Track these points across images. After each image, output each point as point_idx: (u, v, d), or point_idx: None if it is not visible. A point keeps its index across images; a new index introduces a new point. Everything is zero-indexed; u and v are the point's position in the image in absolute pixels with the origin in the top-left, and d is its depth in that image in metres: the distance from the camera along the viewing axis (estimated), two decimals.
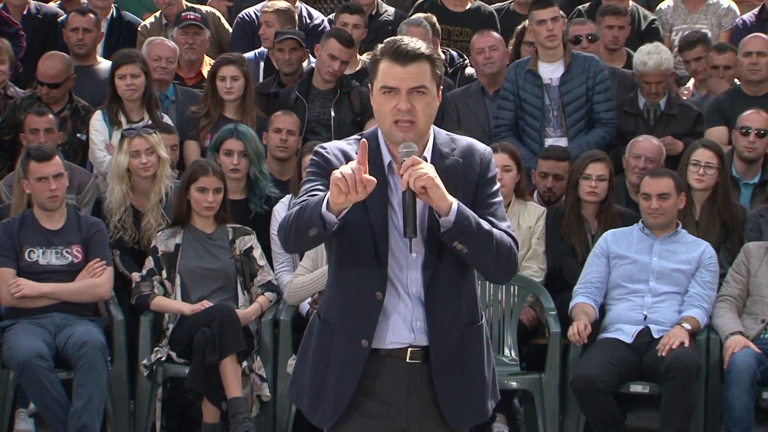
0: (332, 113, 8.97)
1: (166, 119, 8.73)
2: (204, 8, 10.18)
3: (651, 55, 8.79)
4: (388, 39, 4.20)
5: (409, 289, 4.18)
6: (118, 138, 8.13)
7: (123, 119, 8.52)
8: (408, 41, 4.16)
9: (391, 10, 10.32)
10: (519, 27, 9.62)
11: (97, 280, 7.45)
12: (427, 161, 4.09)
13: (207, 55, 9.73)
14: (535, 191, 8.37)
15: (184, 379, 7.26)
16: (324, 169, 4.17)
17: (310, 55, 9.54)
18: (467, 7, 10.16)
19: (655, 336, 7.25)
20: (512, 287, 7.60)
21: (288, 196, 7.88)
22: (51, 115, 8.42)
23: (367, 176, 3.93)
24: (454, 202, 4.03)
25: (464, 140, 4.30)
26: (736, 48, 9.07)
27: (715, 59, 9.20)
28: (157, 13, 10.18)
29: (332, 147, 4.25)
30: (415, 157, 4.04)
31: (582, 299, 7.44)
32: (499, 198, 4.27)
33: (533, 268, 7.77)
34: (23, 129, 8.41)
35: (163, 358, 7.37)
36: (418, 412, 4.23)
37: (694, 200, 7.89)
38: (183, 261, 7.53)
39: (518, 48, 9.57)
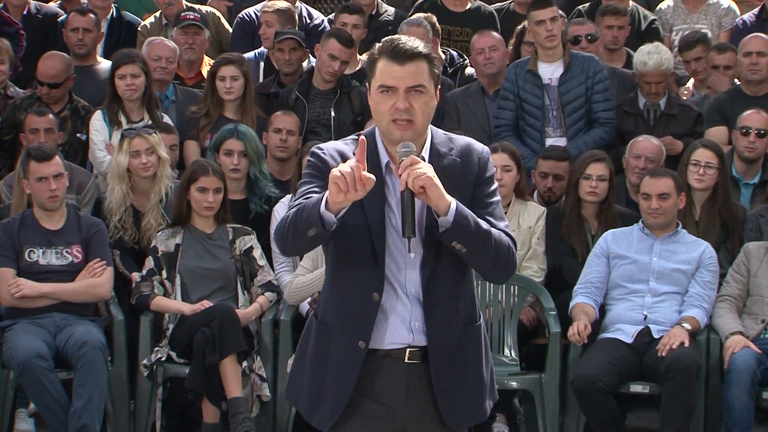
0: (332, 113, 8.97)
1: (166, 119, 8.73)
2: (204, 8, 10.19)
3: (651, 55, 8.79)
4: (386, 38, 4.20)
5: (408, 289, 4.18)
6: (118, 138, 8.14)
7: (123, 119, 8.52)
8: (406, 40, 4.16)
9: (391, 10, 10.32)
10: (519, 27, 9.62)
11: (97, 280, 7.45)
12: (424, 161, 4.08)
13: (207, 55, 9.73)
14: (535, 191, 8.37)
15: (184, 379, 7.26)
16: (321, 170, 4.16)
17: (310, 55, 9.55)
18: (467, 7, 10.16)
19: (655, 336, 7.24)
20: (512, 287, 7.59)
21: (288, 196, 7.88)
22: (51, 115, 8.43)
23: (367, 174, 3.93)
24: (453, 202, 4.03)
25: (462, 140, 4.29)
26: (736, 48, 9.07)
27: (715, 59, 9.20)
28: (157, 13, 10.19)
29: (329, 148, 4.24)
30: (414, 156, 4.03)
31: (582, 299, 7.43)
32: (497, 198, 4.26)
33: (533, 268, 7.76)
34: (23, 129, 8.41)
35: (163, 358, 7.37)
36: (417, 412, 4.23)
37: (694, 200, 7.89)
38: (183, 261, 7.53)
39: (518, 48, 9.57)
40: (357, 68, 9.36)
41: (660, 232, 7.53)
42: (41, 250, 7.44)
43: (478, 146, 4.28)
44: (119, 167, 7.86)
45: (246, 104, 8.78)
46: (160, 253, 7.54)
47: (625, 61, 9.59)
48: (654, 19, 10.21)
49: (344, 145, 4.24)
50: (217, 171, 7.65)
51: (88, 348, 7.12)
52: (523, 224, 7.80)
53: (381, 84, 4.14)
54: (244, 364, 7.25)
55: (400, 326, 4.18)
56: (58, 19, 9.95)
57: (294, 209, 4.08)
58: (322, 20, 10.18)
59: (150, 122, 8.41)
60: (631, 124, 8.84)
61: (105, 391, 7.21)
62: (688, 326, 7.21)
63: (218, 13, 10.37)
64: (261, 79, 9.59)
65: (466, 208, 4.06)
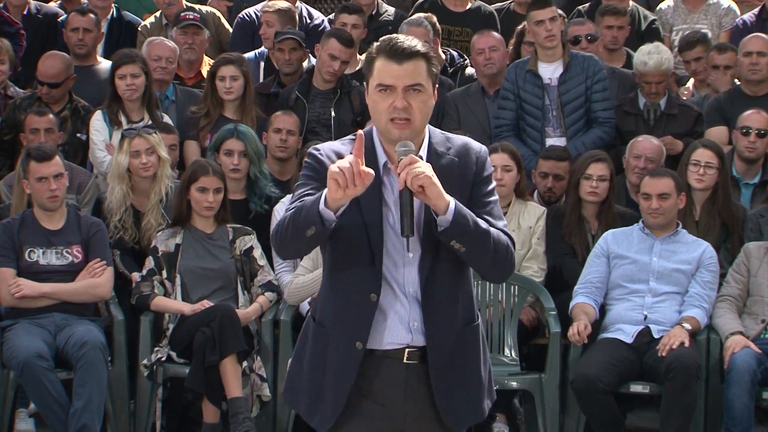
0: (332, 113, 8.97)
1: (166, 119, 8.73)
2: (204, 8, 10.19)
3: (651, 55, 8.79)
4: (384, 37, 4.20)
5: (406, 289, 4.17)
6: (118, 138, 8.14)
7: (123, 119, 8.53)
8: (403, 39, 4.16)
9: (391, 10, 10.32)
10: (519, 27, 9.61)
11: (97, 280, 7.45)
12: (422, 160, 4.07)
13: (207, 55, 9.73)
14: (536, 191, 8.37)
15: (184, 379, 7.26)
16: (318, 172, 4.15)
17: (310, 55, 9.55)
18: (467, 7, 10.16)
19: (656, 336, 7.24)
20: (512, 287, 7.58)
21: (288, 196, 7.87)
22: (51, 115, 8.43)
23: (365, 169, 3.92)
24: (452, 201, 4.02)
25: (459, 139, 4.29)
26: (737, 48, 9.07)
27: (716, 59, 9.20)
28: (157, 13, 10.19)
29: (326, 148, 4.23)
30: (413, 155, 4.03)
31: (582, 299, 7.43)
32: (495, 197, 4.25)
33: (533, 268, 7.76)
34: (23, 129, 8.41)
35: (163, 358, 7.37)
36: (416, 412, 4.22)
37: (694, 200, 7.88)
38: (183, 261, 7.53)
39: (518, 48, 9.57)
40: (357, 68, 9.35)
41: (660, 232, 7.53)
42: (41, 250, 7.44)
43: (476, 145, 4.28)
44: (119, 167, 7.86)
45: (246, 104, 8.78)
46: (160, 253, 7.54)
47: (625, 61, 9.59)
48: (654, 19, 10.21)
49: (341, 145, 4.23)
50: (217, 171, 7.65)
51: (88, 348, 7.12)
52: (523, 224, 7.80)
53: (379, 83, 4.14)
54: (244, 364, 7.25)
55: (399, 326, 4.17)
56: (59, 19, 9.95)
57: (292, 210, 4.07)
58: (322, 20, 10.18)
59: (150, 122, 8.41)
60: (631, 124, 8.84)
61: (105, 391, 7.21)
62: (688, 326, 7.21)
63: (218, 13, 10.37)
64: (261, 79, 9.59)
65: (465, 208, 4.05)
